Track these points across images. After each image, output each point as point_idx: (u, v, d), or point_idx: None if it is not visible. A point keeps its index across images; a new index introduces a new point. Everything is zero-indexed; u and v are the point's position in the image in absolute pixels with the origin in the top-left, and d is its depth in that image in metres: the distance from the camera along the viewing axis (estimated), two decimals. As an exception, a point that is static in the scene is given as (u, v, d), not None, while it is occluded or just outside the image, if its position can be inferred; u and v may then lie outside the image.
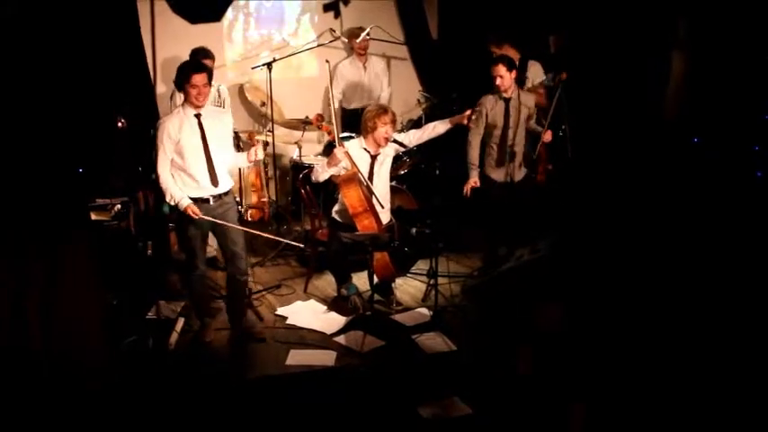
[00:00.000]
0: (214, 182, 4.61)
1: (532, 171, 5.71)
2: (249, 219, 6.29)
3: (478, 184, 5.57)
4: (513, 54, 6.23)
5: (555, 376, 3.86)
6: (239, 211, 4.82)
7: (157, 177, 4.56)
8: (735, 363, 3.88)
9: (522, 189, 5.61)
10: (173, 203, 4.53)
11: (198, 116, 4.54)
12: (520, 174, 5.63)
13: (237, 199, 5.78)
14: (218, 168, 4.64)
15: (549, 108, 5.52)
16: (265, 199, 5.73)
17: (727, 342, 4.01)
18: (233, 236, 4.74)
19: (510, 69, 5.37)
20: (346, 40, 7.27)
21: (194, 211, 4.50)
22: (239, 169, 6.12)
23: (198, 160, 4.56)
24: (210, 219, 4.57)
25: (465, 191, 5.53)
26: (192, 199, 4.55)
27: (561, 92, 5.40)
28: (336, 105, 7.18)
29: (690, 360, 3.91)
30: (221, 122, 4.73)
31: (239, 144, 6.30)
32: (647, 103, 6.04)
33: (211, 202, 4.64)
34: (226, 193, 4.73)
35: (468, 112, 5.33)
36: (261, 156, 4.84)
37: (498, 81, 5.37)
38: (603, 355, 3.91)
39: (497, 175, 5.57)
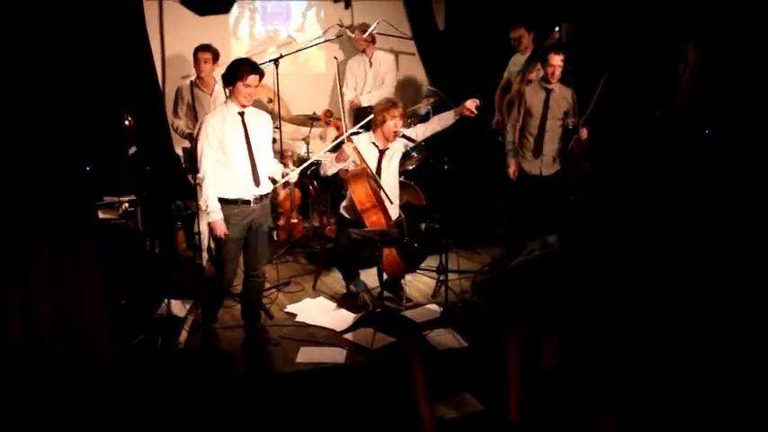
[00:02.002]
0: (257, 182, 4.55)
1: (566, 168, 5.66)
2: (275, 238, 6.30)
3: (516, 170, 5.65)
4: (527, 36, 6.24)
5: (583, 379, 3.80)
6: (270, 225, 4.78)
7: (200, 173, 4.48)
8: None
9: (551, 184, 5.59)
10: (204, 208, 4.47)
11: (242, 114, 4.50)
12: (552, 168, 5.62)
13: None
14: (260, 169, 4.58)
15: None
16: (295, 221, 5.68)
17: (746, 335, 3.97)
18: (261, 238, 4.71)
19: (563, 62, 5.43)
20: (352, 35, 7.22)
21: (222, 231, 4.46)
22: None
23: (241, 158, 4.50)
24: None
25: (510, 175, 5.67)
26: (233, 200, 4.51)
27: (602, 87, 5.36)
28: (347, 102, 7.14)
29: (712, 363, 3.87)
30: (263, 124, 4.65)
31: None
32: (661, 92, 5.99)
33: (252, 204, 4.58)
34: (266, 195, 4.69)
35: (468, 102, 5.24)
36: (294, 178, 4.85)
37: (552, 70, 5.42)
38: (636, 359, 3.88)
39: (530, 166, 5.61)
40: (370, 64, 7.12)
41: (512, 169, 5.68)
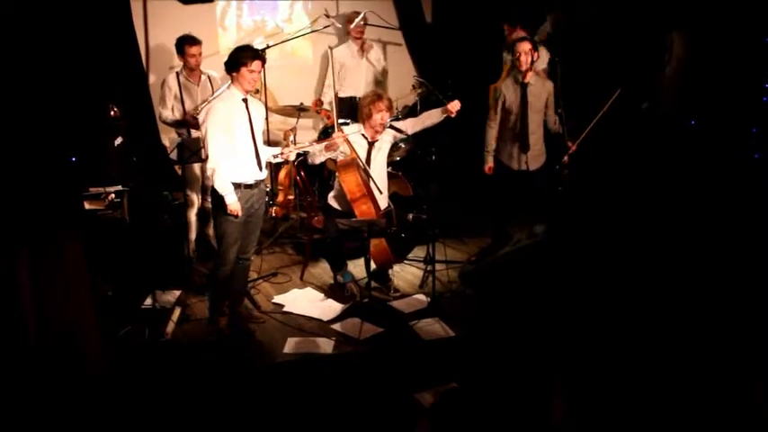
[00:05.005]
0: (260, 166, 4.62)
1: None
2: (273, 215, 6.45)
3: (492, 169, 5.54)
4: (521, 32, 6.22)
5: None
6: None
7: (210, 159, 4.45)
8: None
9: (538, 178, 5.49)
10: (220, 191, 4.47)
11: (245, 101, 4.54)
12: (537, 162, 5.51)
13: (268, 189, 5.83)
14: (261, 154, 4.65)
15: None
16: (291, 197, 5.90)
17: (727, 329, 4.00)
18: (256, 223, 4.76)
19: (533, 50, 5.33)
20: (340, 26, 7.18)
21: (239, 211, 4.50)
22: (273, 166, 6.25)
23: (246, 144, 4.55)
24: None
25: (485, 170, 5.56)
26: (236, 184, 4.53)
27: (610, 104, 5.22)
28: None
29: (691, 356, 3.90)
30: (260, 112, 4.72)
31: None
32: (645, 84, 6.00)
33: (253, 188, 4.63)
34: (263, 180, 4.74)
35: (450, 105, 5.15)
36: (293, 158, 4.99)
37: (523, 58, 5.30)
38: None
39: (514, 163, 5.48)
40: (361, 54, 6.99)
41: (488, 166, 5.56)
